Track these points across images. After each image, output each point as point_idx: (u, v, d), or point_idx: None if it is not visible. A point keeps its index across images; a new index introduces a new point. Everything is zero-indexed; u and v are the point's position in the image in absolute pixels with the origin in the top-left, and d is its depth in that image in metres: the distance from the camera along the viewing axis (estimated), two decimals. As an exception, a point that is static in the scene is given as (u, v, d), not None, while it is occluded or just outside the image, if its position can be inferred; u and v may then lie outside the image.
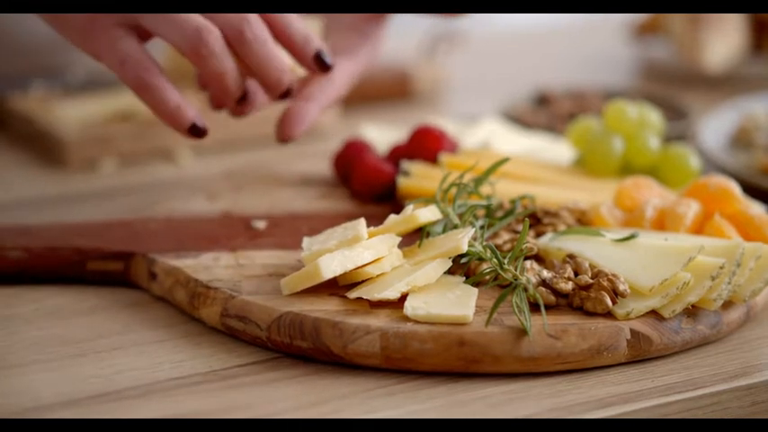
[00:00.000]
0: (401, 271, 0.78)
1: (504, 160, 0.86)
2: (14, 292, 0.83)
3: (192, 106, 0.83)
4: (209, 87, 0.87)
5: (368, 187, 0.95)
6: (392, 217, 0.81)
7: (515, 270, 0.76)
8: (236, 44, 0.82)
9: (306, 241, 0.81)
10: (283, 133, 0.89)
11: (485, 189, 0.88)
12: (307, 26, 0.86)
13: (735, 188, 0.87)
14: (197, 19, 0.81)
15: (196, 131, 0.83)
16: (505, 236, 0.83)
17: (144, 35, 0.84)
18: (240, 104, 0.87)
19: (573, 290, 0.77)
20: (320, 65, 0.87)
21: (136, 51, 0.82)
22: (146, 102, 0.83)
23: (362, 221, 0.80)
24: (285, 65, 0.84)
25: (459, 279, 0.79)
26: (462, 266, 0.80)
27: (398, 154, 0.99)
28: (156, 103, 0.82)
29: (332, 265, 0.76)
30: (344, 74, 0.93)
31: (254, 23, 0.82)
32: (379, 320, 0.74)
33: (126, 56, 0.82)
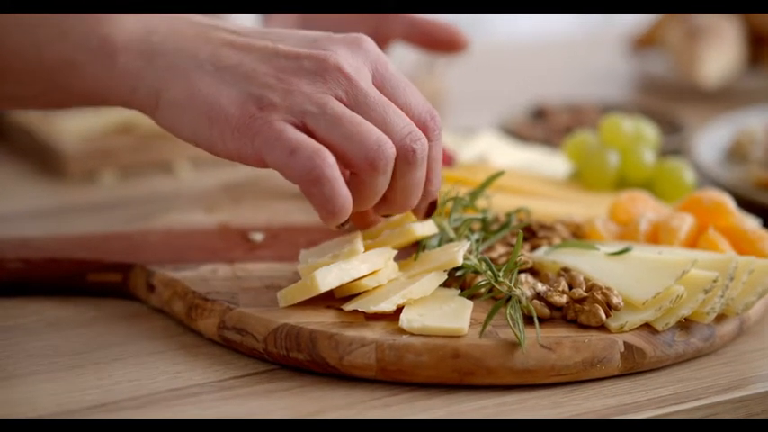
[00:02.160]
0: (397, 284, 0.79)
1: (500, 174, 0.87)
2: (14, 304, 0.84)
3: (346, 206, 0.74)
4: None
5: (365, 200, 0.96)
6: (387, 230, 0.82)
7: (510, 283, 0.77)
8: (401, 164, 0.75)
9: (303, 254, 0.82)
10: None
11: (481, 202, 0.89)
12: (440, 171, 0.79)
13: (729, 202, 0.88)
14: (380, 132, 0.74)
15: (345, 225, 0.77)
16: (501, 249, 0.84)
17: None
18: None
19: (567, 303, 0.78)
20: (428, 213, 0.81)
21: (310, 142, 0.72)
22: (312, 196, 0.73)
23: (358, 234, 0.81)
24: (429, 196, 0.79)
25: (455, 292, 0.79)
26: (458, 279, 0.81)
27: (396, 167, 0.99)
28: (326, 198, 0.73)
29: (328, 278, 0.77)
30: None
31: (425, 145, 0.76)
32: (374, 333, 0.75)
33: (298, 144, 0.72)
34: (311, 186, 0.73)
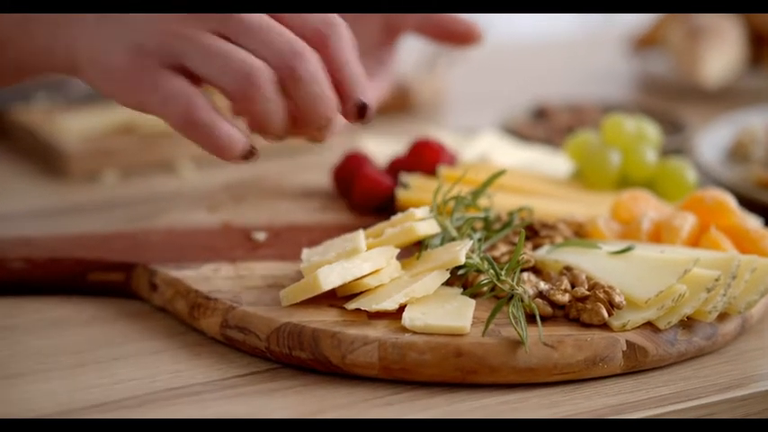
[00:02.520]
0: (399, 282, 0.79)
1: (501, 173, 0.87)
2: (16, 303, 0.84)
3: (240, 131, 0.75)
4: (249, 125, 0.77)
5: (367, 199, 0.96)
6: (390, 229, 0.82)
7: (513, 281, 0.77)
8: (287, 83, 0.75)
9: (305, 253, 0.82)
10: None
11: (483, 201, 0.89)
12: (359, 69, 0.78)
13: (731, 201, 0.88)
14: (247, 58, 0.73)
15: (248, 157, 0.76)
16: (503, 248, 0.84)
17: (194, 80, 0.75)
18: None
19: (569, 301, 0.78)
20: (359, 115, 0.78)
21: (180, 88, 0.74)
22: (194, 140, 0.75)
23: (361, 233, 0.81)
24: (335, 106, 0.77)
25: (457, 290, 0.79)
26: (460, 278, 0.81)
27: (398, 166, 0.99)
28: (208, 141, 0.74)
29: (331, 277, 0.77)
30: (373, 99, 0.92)
31: (309, 59, 0.74)
32: (377, 331, 0.75)
33: (169, 93, 0.74)
34: (189, 132, 0.74)
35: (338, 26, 0.76)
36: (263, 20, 0.74)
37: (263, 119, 0.75)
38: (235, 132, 0.74)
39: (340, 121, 0.78)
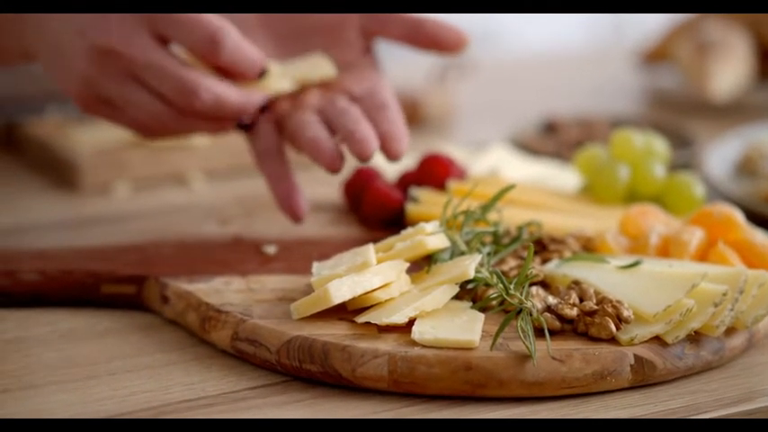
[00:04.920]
0: (409, 296, 0.79)
1: (511, 187, 0.88)
2: (29, 315, 0.85)
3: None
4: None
5: (377, 213, 0.96)
6: (399, 244, 0.82)
7: (521, 296, 0.77)
8: (192, 114, 0.88)
9: (315, 266, 0.83)
10: (392, 151, 0.88)
11: (492, 216, 0.89)
12: (249, 53, 0.88)
13: (739, 216, 0.88)
14: (159, 108, 0.87)
15: (243, 126, 0.90)
16: (512, 262, 0.85)
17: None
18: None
19: (578, 316, 0.78)
20: (259, 75, 0.90)
21: (142, 120, 0.89)
22: (209, 112, 0.88)
23: (371, 247, 0.81)
24: (243, 99, 0.88)
25: (467, 304, 0.80)
26: (469, 292, 0.81)
27: (407, 181, 1.00)
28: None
29: (341, 290, 0.77)
30: (394, 99, 0.93)
31: (202, 93, 0.86)
32: (387, 345, 0.76)
33: (133, 125, 0.89)
34: (205, 110, 0.87)
35: (221, 37, 0.86)
36: (154, 58, 0.85)
37: (188, 134, 0.91)
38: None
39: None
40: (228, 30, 0.86)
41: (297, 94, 0.92)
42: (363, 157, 0.86)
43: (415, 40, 0.94)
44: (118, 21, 0.84)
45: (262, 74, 0.89)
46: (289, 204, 0.90)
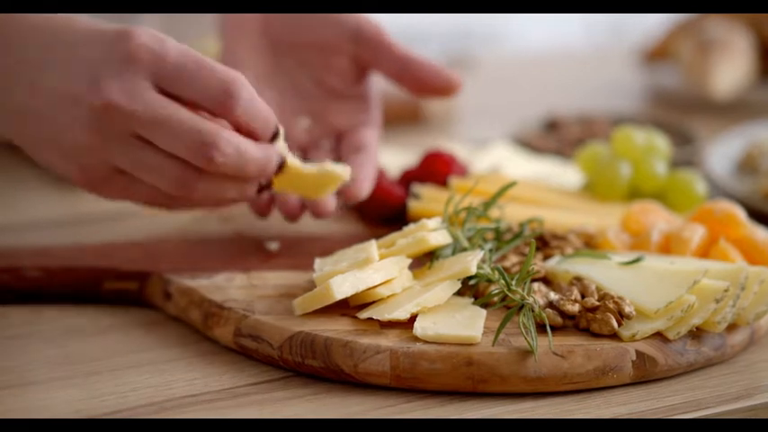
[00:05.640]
0: (411, 292, 0.79)
1: (512, 184, 0.88)
2: (32, 311, 0.85)
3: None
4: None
5: (379, 210, 0.97)
6: (401, 240, 0.83)
7: (523, 292, 0.77)
8: (211, 170, 0.77)
9: (317, 262, 0.83)
10: (349, 192, 0.89)
11: (494, 212, 0.89)
12: (263, 109, 0.79)
13: (740, 213, 0.88)
14: (176, 169, 0.77)
15: (264, 188, 0.81)
16: (514, 258, 0.85)
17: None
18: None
19: (579, 312, 0.78)
20: (274, 139, 0.80)
21: (152, 191, 0.80)
22: (206, 206, 0.83)
23: (373, 243, 0.82)
24: (264, 154, 0.78)
25: (468, 300, 0.80)
26: (471, 288, 0.82)
27: (409, 177, 1.00)
28: (218, 202, 0.81)
29: (343, 286, 0.78)
30: (374, 142, 0.94)
31: (220, 145, 0.76)
32: (389, 340, 0.76)
33: (149, 198, 0.81)
34: (202, 203, 0.81)
35: (237, 90, 0.76)
36: (163, 114, 0.75)
37: (217, 201, 0.80)
38: (240, 182, 0.79)
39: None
40: (243, 81, 0.77)
41: None
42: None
43: (402, 80, 0.93)
44: (115, 78, 0.75)
45: (275, 135, 0.79)
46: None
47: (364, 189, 0.89)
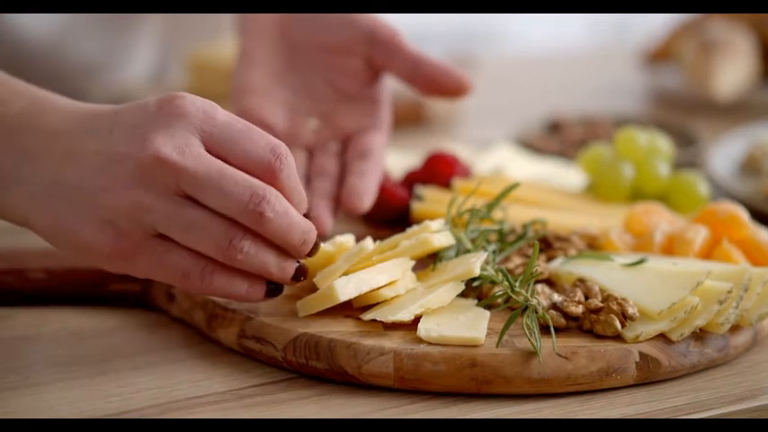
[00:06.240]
0: (415, 294, 0.80)
1: (515, 185, 0.88)
2: (37, 313, 0.85)
3: (261, 277, 0.76)
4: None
5: (382, 211, 0.97)
6: (405, 241, 0.83)
7: (527, 293, 0.78)
8: (259, 228, 0.74)
9: None
10: (349, 205, 0.89)
11: (497, 214, 0.90)
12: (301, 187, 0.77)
13: (743, 214, 0.88)
14: (218, 226, 0.73)
15: (272, 294, 0.77)
16: (517, 260, 0.85)
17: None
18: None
19: (583, 313, 0.78)
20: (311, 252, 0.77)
21: (188, 259, 0.74)
22: (215, 296, 0.77)
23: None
24: (308, 225, 0.76)
25: (472, 302, 0.80)
26: (475, 290, 0.82)
27: (412, 179, 1.00)
28: (227, 296, 0.75)
29: (347, 288, 0.78)
30: (381, 147, 0.94)
31: (270, 200, 0.73)
32: (392, 342, 0.76)
33: (184, 269, 0.74)
34: (214, 295, 0.75)
35: (284, 155, 0.74)
36: (214, 169, 0.72)
37: (258, 268, 0.75)
38: (254, 283, 0.75)
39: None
40: (287, 148, 0.75)
41: None
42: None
43: (414, 81, 0.93)
44: (165, 133, 0.72)
45: (315, 249, 0.77)
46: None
47: (365, 203, 0.90)
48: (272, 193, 0.73)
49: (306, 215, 0.77)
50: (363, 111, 0.96)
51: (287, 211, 0.74)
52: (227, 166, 0.73)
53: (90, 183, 0.73)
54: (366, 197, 0.90)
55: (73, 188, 0.73)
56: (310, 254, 0.76)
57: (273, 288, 0.76)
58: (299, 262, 0.76)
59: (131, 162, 0.72)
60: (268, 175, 0.74)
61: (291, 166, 0.75)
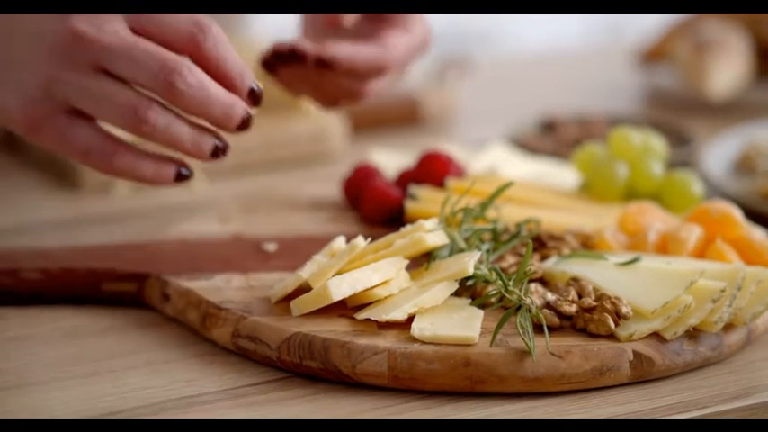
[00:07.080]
0: (408, 293, 0.80)
1: (509, 185, 0.88)
2: (32, 313, 0.85)
3: (171, 161, 0.78)
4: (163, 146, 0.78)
5: (376, 211, 0.97)
6: (398, 241, 0.83)
7: (520, 292, 0.78)
8: (171, 100, 0.74)
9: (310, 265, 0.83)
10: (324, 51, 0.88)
11: (491, 213, 0.90)
12: (239, 60, 0.77)
13: (737, 213, 0.89)
14: (128, 96, 0.74)
15: (182, 179, 0.78)
16: (511, 259, 0.85)
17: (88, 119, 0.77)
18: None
19: (576, 312, 0.78)
20: (253, 102, 0.78)
21: (93, 137, 0.76)
22: (123, 179, 0.79)
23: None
24: (230, 99, 0.76)
25: (466, 301, 0.80)
26: (468, 289, 0.82)
27: (407, 178, 1.00)
28: (135, 179, 0.77)
29: (341, 287, 0.78)
30: (399, 44, 0.92)
31: (182, 71, 0.74)
32: (386, 341, 0.76)
33: (86, 146, 0.76)
34: (116, 177, 0.77)
35: (207, 26, 0.75)
36: (128, 42, 0.74)
37: (170, 141, 0.76)
38: (162, 164, 0.77)
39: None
40: (214, 24, 0.76)
41: None
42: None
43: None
44: (86, 15, 0.75)
45: (253, 94, 0.77)
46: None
47: (330, 50, 0.89)
48: (185, 64, 0.74)
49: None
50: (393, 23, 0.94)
51: (202, 84, 0.74)
52: (144, 40, 0.74)
53: (13, 56, 0.75)
54: (336, 52, 0.88)
55: (0, 63, 0.76)
56: (241, 129, 0.77)
57: (185, 173, 0.77)
58: (220, 140, 0.77)
59: (51, 36, 0.74)
60: (191, 46, 0.75)
61: (218, 37, 0.75)
